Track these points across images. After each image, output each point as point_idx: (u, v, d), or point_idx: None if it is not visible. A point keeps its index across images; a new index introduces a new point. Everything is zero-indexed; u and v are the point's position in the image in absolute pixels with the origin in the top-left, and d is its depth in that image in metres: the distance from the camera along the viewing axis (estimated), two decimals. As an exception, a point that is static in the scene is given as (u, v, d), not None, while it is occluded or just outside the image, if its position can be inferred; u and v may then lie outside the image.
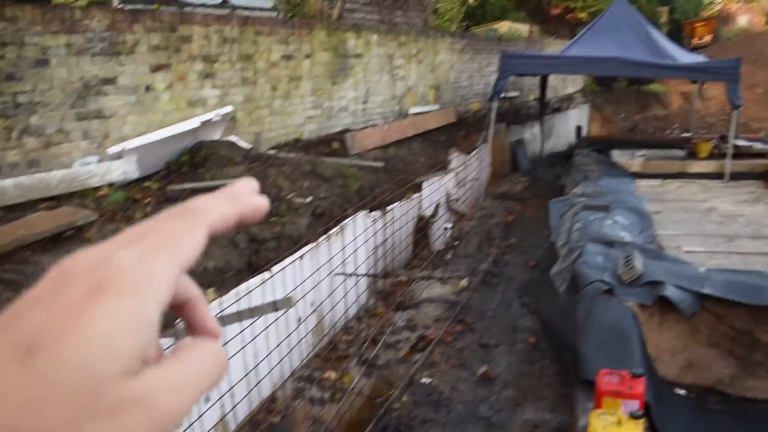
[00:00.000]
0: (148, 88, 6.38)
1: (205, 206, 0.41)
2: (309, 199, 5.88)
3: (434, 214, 8.02)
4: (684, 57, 12.03)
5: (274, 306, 3.74)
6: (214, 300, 3.87)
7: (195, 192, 5.72)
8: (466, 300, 6.59)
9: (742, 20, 39.65)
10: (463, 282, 7.07)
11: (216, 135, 6.96)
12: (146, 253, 0.36)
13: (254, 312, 3.75)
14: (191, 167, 6.36)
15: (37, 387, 0.32)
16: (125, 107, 6.18)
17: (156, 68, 6.44)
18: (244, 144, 7.10)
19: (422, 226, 7.89)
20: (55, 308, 0.34)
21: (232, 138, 7.04)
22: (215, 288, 4.32)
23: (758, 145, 11.67)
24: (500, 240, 8.88)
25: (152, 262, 0.36)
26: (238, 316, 3.62)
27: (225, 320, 3.61)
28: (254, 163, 6.42)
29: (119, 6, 7.16)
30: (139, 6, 7.26)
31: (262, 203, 0.46)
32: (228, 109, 6.87)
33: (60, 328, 0.33)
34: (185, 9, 7.65)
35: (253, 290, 4.02)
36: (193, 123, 6.33)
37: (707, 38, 32.67)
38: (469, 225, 9.57)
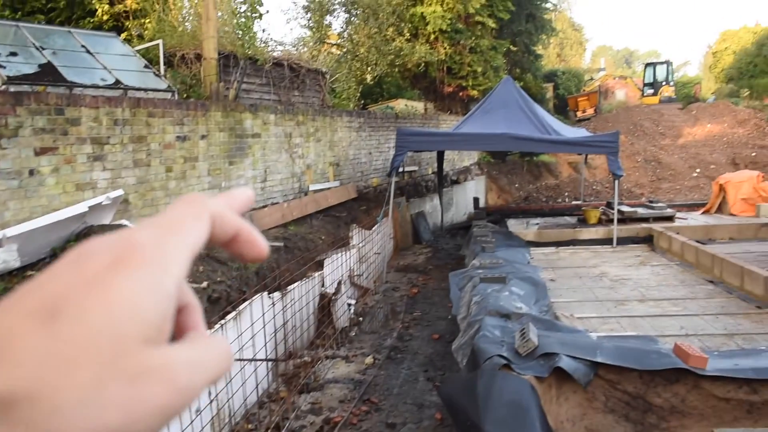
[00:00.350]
0: (32, 172, 6.10)
1: (207, 198, 0.44)
2: (204, 284, 5.71)
3: (337, 291, 7.96)
4: (567, 132, 12.80)
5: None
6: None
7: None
8: (372, 378, 6.51)
9: (620, 94, 42.86)
10: (368, 359, 7.01)
11: (106, 219, 6.70)
12: (161, 234, 0.39)
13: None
14: (79, 254, 6.06)
15: (61, 346, 0.32)
16: (6, 192, 5.87)
17: (41, 151, 6.19)
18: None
19: (325, 303, 7.80)
20: (77, 277, 0.35)
21: (124, 222, 6.80)
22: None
23: (641, 210, 12.42)
24: (405, 313, 8.91)
25: (167, 242, 0.38)
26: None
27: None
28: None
29: (2, 88, 6.90)
30: (25, 87, 7.04)
31: (250, 196, 0.49)
32: (118, 192, 6.66)
33: (83, 294, 0.34)
34: (75, 90, 7.47)
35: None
36: (80, 208, 6.08)
37: (590, 111, 35.05)
38: (374, 300, 9.57)
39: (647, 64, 41.06)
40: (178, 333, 0.43)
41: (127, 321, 0.34)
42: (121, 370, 0.33)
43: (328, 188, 11.70)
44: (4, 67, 7.15)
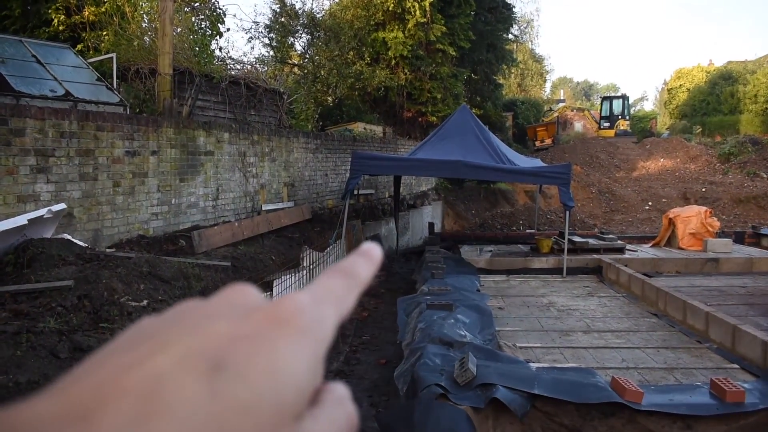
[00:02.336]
0: (-30, 183, 5.93)
1: (359, 270, 0.44)
2: (145, 302, 5.58)
3: (285, 313, 7.86)
4: (522, 161, 12.98)
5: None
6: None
7: (16, 294, 5.28)
8: (315, 403, 6.42)
9: (578, 126, 43.82)
10: (313, 383, 6.91)
11: (48, 233, 6.52)
12: (318, 299, 0.38)
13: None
14: (16, 267, 5.87)
15: (223, 406, 0.30)
16: (-58, 203, 5.69)
17: (-19, 162, 6.02)
18: (80, 242, 6.70)
19: (272, 325, 7.69)
20: (241, 328, 0.33)
21: (66, 236, 6.63)
22: (27, 405, 3.91)
23: (593, 241, 12.60)
24: (353, 337, 8.85)
25: (325, 308, 0.38)
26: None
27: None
28: (88, 263, 6.05)
29: (-56, 95, 6.72)
30: (-31, 96, 6.87)
31: (379, 255, 0.48)
32: (61, 206, 6.49)
33: (248, 350, 0.32)
34: (22, 100, 7.31)
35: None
36: (20, 220, 5.90)
37: (548, 141, 35.70)
38: (323, 322, 9.47)
39: (604, 98, 42.11)
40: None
41: (289, 388, 0.33)
42: None
43: (282, 209, 11.62)
44: (-52, 74, 6.97)
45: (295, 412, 0.33)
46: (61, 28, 11.98)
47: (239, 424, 0.30)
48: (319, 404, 0.38)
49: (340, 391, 0.41)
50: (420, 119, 22.24)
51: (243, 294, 0.39)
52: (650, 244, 13.72)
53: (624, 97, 39.82)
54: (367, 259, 0.46)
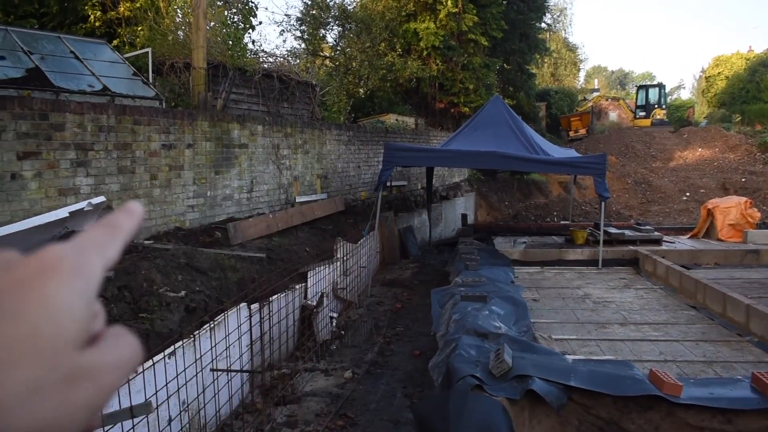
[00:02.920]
0: (14, 176, 6.06)
1: (121, 223, 0.47)
2: (182, 293, 5.66)
3: (319, 304, 7.92)
4: (555, 152, 12.84)
5: (132, 412, 3.51)
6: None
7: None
8: (350, 393, 6.46)
9: (613, 115, 43.16)
10: (348, 374, 6.96)
11: (88, 225, 6.65)
12: (81, 248, 0.41)
13: (109, 419, 3.50)
14: (58, 259, 6.01)
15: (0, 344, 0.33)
16: (-13, 196, 5.84)
17: (24, 156, 6.16)
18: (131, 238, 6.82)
19: (307, 316, 7.76)
20: (6, 281, 0.36)
21: (105, 228, 6.75)
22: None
23: (629, 233, 12.44)
24: (387, 328, 8.87)
25: (88, 255, 0.41)
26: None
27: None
28: (127, 254, 6.16)
29: (-14, 91, 6.88)
30: (11, 91, 7.01)
31: (140, 211, 0.51)
32: (100, 198, 6.61)
33: (18, 295, 0.35)
34: (61, 96, 7.45)
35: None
36: (61, 213, 6.02)
37: (582, 131, 35.22)
38: (357, 313, 9.53)
39: (640, 87, 41.38)
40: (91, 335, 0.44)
41: (63, 320, 0.36)
42: (58, 371, 0.35)
43: (315, 200, 11.68)
44: (-9, 70, 7.13)
45: (74, 341, 0.37)
46: (97, 24, 12.17)
47: (19, 355, 0.34)
48: (100, 339, 0.42)
49: (118, 329, 0.45)
50: (452, 110, 22.14)
51: (6, 256, 0.41)
52: (688, 236, 13.48)
53: (660, 86, 39.08)
54: (128, 215, 0.49)
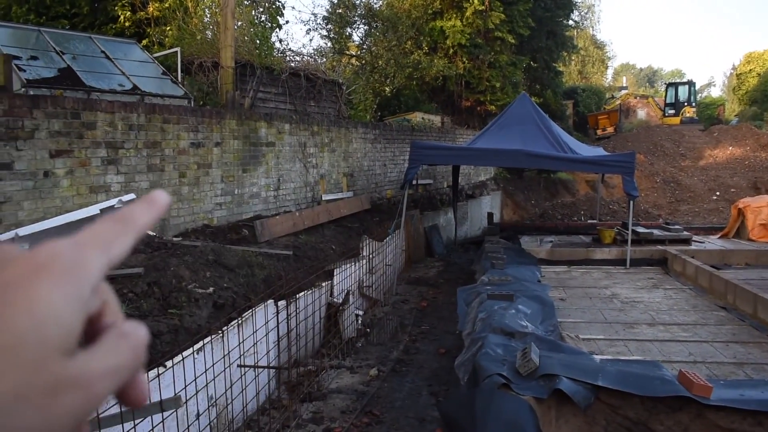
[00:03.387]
0: (47, 174, 6.19)
1: (135, 217, 0.45)
2: (210, 289, 5.73)
3: (345, 301, 7.96)
4: (583, 150, 12.72)
5: (161, 406, 3.56)
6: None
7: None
8: (375, 390, 6.48)
9: (641, 113, 42.65)
10: (373, 371, 6.99)
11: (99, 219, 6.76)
12: (80, 244, 0.40)
13: (139, 413, 3.56)
14: (89, 256, 6.12)
15: None
16: (21, 193, 5.96)
17: (56, 154, 6.28)
18: (148, 231, 6.92)
19: (333, 313, 7.80)
20: None
21: (135, 226, 6.85)
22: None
23: (657, 232, 12.29)
24: (412, 327, 8.88)
25: (86, 252, 0.40)
26: (121, 418, 3.42)
27: (106, 422, 3.40)
28: (156, 251, 6.25)
29: (21, 91, 7.02)
30: (44, 91, 7.14)
31: (165, 202, 0.49)
32: (131, 196, 6.72)
33: (6, 299, 0.34)
34: (92, 95, 7.57)
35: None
36: (93, 210, 6.15)
37: (610, 129, 34.86)
38: (382, 311, 9.55)
39: (669, 84, 40.80)
40: (96, 331, 0.43)
41: (50, 327, 0.35)
42: (43, 380, 0.34)
43: (342, 198, 11.72)
44: (24, 71, 7.27)
45: (62, 348, 0.36)
46: (127, 24, 12.35)
47: (2, 363, 0.33)
48: (99, 341, 0.41)
49: (127, 327, 0.43)
50: (478, 108, 22.04)
51: (5, 251, 0.40)
52: (718, 236, 13.27)
53: (690, 83, 38.49)
54: (149, 206, 0.47)
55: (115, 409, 3.51)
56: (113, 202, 6.48)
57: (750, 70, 44.54)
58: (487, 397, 4.23)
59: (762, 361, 5.96)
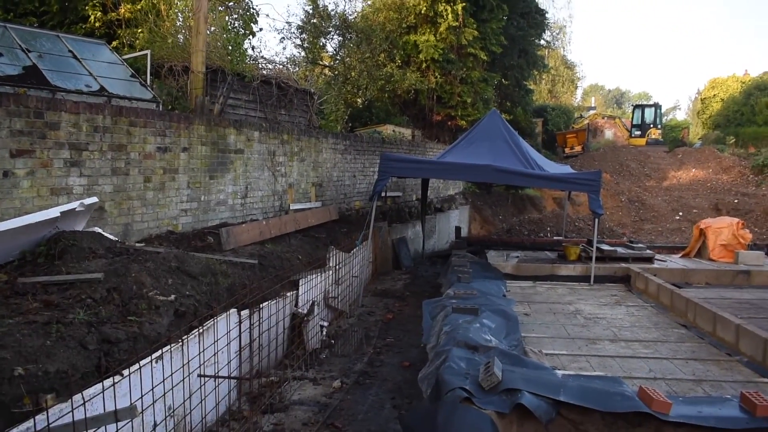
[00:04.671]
0: (6, 174, 6.03)
1: None
2: (172, 297, 5.62)
3: (310, 312, 7.89)
4: (551, 167, 12.86)
5: (116, 416, 3.47)
6: (53, 407, 3.55)
7: (47, 285, 5.35)
8: (338, 402, 6.42)
9: (608, 134, 43.39)
10: (336, 383, 6.92)
11: (79, 225, 6.62)
12: None
13: (93, 423, 3.46)
14: (48, 259, 5.96)
15: None
16: (-22, 193, 5.80)
17: (17, 153, 6.12)
18: (110, 236, 6.79)
19: (297, 323, 7.72)
20: None
21: (97, 229, 6.72)
22: (55, 394, 3.97)
23: (621, 250, 12.47)
24: (377, 339, 8.83)
25: None
26: (73, 428, 3.32)
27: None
28: (117, 256, 6.12)
29: (-18, 88, 6.84)
30: (7, 88, 6.98)
31: None
32: (92, 199, 6.58)
33: None
34: (57, 95, 7.42)
35: (96, 396, 3.72)
36: (52, 213, 5.99)
37: (578, 148, 35.40)
38: (348, 323, 9.49)
39: (636, 106, 41.65)
40: None
41: None
42: None
43: (310, 208, 11.66)
44: (-12, 67, 7.10)
45: None
46: (97, 24, 12.18)
47: None
48: None
49: None
50: (449, 123, 22.19)
51: None
52: (680, 255, 13.51)
53: (656, 106, 39.34)
54: None
55: (68, 419, 3.42)
56: (75, 204, 6.33)
57: (714, 95, 45.66)
58: (449, 411, 4.21)
59: (720, 379, 6.05)
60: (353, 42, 18.69)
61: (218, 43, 12.55)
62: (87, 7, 12.15)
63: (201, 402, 5.22)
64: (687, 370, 6.33)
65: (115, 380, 3.99)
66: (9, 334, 4.20)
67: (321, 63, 20.13)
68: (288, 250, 9.44)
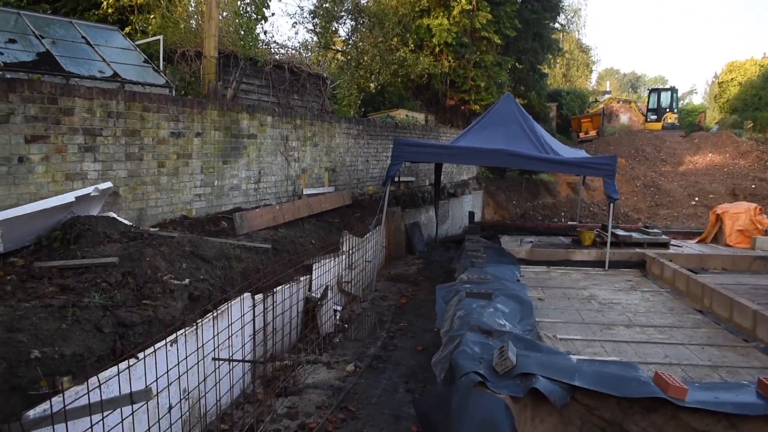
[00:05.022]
0: (21, 160, 6.05)
1: None
2: (186, 281, 5.64)
3: (323, 296, 7.90)
4: (566, 152, 12.76)
5: (131, 398, 3.49)
6: (69, 389, 3.58)
7: (63, 270, 5.39)
8: (351, 386, 6.44)
9: (624, 118, 42.98)
10: (350, 367, 6.94)
11: (94, 210, 6.65)
12: None
13: (108, 405, 3.48)
14: (63, 243, 6.00)
15: None
16: (-6, 178, 5.83)
17: (32, 139, 6.14)
18: (125, 221, 6.82)
19: (311, 308, 7.74)
20: None
21: (112, 214, 6.74)
22: (71, 377, 4.00)
23: (636, 235, 12.38)
24: (391, 323, 8.84)
25: None
26: (89, 410, 3.34)
27: (74, 414, 3.32)
28: (132, 241, 6.14)
29: (-2, 74, 6.86)
30: (21, 75, 7.00)
31: None
32: (107, 184, 6.61)
33: None
34: (71, 80, 7.44)
35: (111, 379, 3.75)
36: (68, 197, 6.02)
37: (592, 133, 35.11)
38: (361, 307, 9.51)
39: (652, 90, 41.19)
40: None
41: None
42: None
43: (323, 193, 11.65)
44: (2, 54, 7.11)
45: None
46: (110, 10, 12.17)
47: None
48: None
49: None
50: (462, 107, 22.06)
51: None
52: (696, 240, 13.40)
53: (672, 90, 38.89)
54: None
55: (84, 401, 3.44)
56: (89, 190, 6.36)
57: (732, 78, 45.04)
58: (463, 395, 4.20)
59: (736, 365, 6.00)
60: (366, 26, 18.60)
61: (230, 28, 12.51)
62: (100, -7, 12.15)
63: (215, 385, 5.25)
64: (703, 355, 6.28)
65: (131, 363, 4.01)
66: (26, 318, 4.23)
67: (333, 48, 20.05)
68: (301, 234, 9.45)
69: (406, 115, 18.19)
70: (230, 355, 5.53)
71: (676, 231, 16.56)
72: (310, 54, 17.64)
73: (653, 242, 12.07)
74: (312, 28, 19.09)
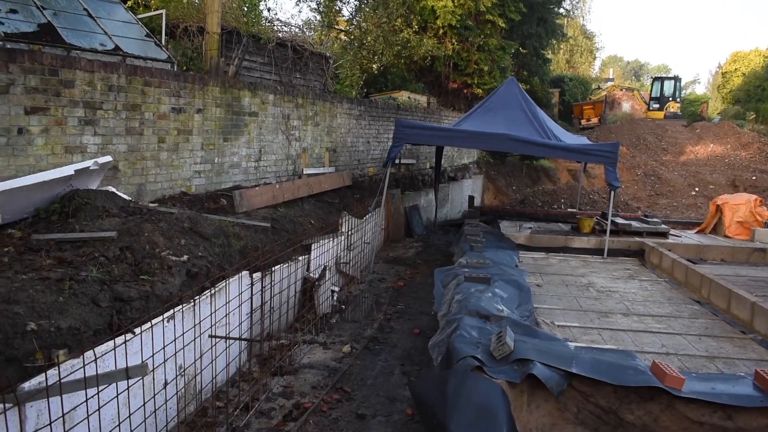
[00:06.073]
0: (21, 131, 6.00)
1: None
2: (185, 257, 5.62)
3: (321, 277, 7.89)
4: (568, 138, 12.70)
5: (127, 373, 3.47)
6: (64, 362, 3.56)
7: (61, 243, 5.36)
8: (347, 367, 6.44)
9: (626, 106, 42.83)
10: (346, 348, 6.95)
11: (93, 184, 6.61)
12: None
13: (104, 379, 3.47)
14: (62, 216, 5.97)
15: None
16: (-7, 149, 5.78)
17: (32, 111, 6.09)
18: (124, 195, 6.78)
19: (308, 288, 7.73)
20: None
21: (111, 188, 6.70)
22: (67, 350, 3.98)
23: (636, 224, 12.37)
24: (388, 305, 8.85)
25: None
26: (84, 383, 3.33)
27: (69, 387, 3.31)
28: (131, 216, 6.11)
29: (-2, 44, 6.78)
30: (22, 45, 6.91)
31: None
32: (107, 158, 6.56)
33: None
34: (72, 53, 7.35)
35: (107, 353, 3.74)
36: (67, 170, 5.97)
37: (594, 120, 35.00)
38: (359, 289, 9.51)
39: (655, 78, 41.02)
40: None
41: None
42: None
43: (323, 173, 11.61)
44: (2, 24, 7.02)
45: None
46: (112, -17, 12.02)
47: None
48: None
49: None
50: (465, 91, 21.93)
51: None
52: (695, 230, 13.40)
53: (676, 79, 38.70)
54: None
55: (79, 374, 3.42)
56: (89, 163, 6.31)
57: (735, 69, 44.83)
58: (459, 379, 4.19)
59: (733, 356, 6.00)
60: (370, 6, 18.42)
61: (234, 4, 12.38)
62: (102, -35, 11.99)
63: (212, 362, 5.24)
64: (700, 346, 6.28)
65: (127, 338, 3.99)
66: (22, 290, 4.21)
67: (337, 27, 19.87)
68: (301, 214, 9.42)
69: (409, 97, 18.08)
70: (227, 332, 5.52)
71: (675, 221, 16.56)
72: (313, 33, 17.47)
73: (652, 231, 12.07)
74: (315, 6, 18.91)
